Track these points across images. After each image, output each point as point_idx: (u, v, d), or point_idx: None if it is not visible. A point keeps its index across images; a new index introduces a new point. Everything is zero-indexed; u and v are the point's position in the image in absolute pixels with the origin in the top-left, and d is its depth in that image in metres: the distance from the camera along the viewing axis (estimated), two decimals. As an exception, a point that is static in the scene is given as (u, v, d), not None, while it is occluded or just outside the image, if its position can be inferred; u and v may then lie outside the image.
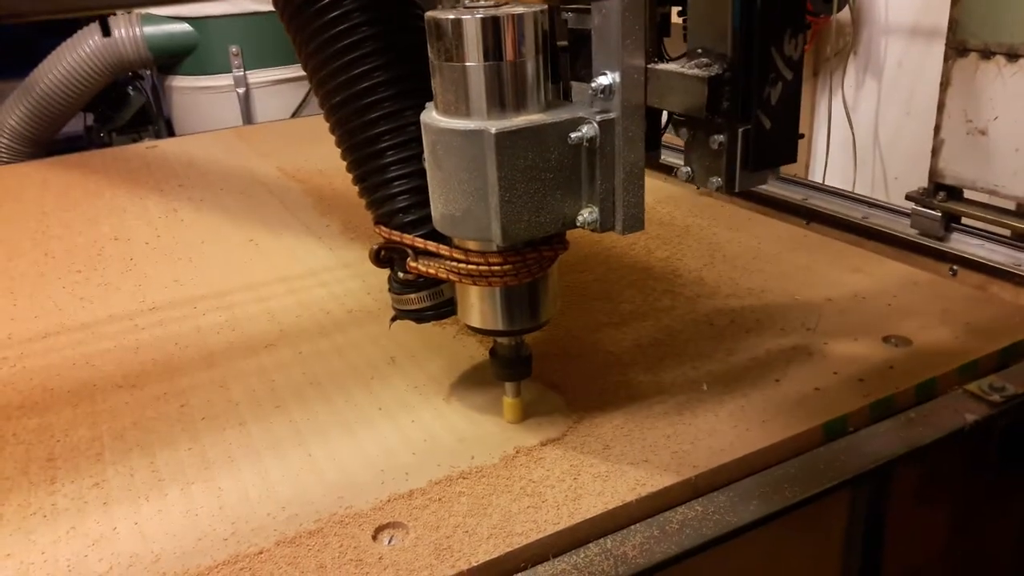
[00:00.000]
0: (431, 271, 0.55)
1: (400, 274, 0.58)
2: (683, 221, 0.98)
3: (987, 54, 0.84)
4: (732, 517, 0.52)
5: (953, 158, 0.89)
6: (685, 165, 0.54)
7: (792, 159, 0.53)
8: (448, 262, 0.54)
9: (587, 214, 0.51)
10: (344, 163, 0.61)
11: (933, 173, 0.91)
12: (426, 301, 0.58)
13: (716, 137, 0.51)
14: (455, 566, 0.48)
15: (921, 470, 0.60)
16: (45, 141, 1.90)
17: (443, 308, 0.59)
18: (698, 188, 0.54)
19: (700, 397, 0.63)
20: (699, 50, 0.51)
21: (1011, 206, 0.91)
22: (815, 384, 0.63)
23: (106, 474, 0.59)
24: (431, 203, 0.53)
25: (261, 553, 0.50)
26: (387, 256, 0.58)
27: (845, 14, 1.84)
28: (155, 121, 2.43)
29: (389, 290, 0.60)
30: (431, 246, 0.55)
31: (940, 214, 0.90)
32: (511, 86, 0.49)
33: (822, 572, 0.60)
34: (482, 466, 0.57)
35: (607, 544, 0.50)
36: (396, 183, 0.57)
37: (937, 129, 0.90)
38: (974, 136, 0.86)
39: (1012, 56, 0.82)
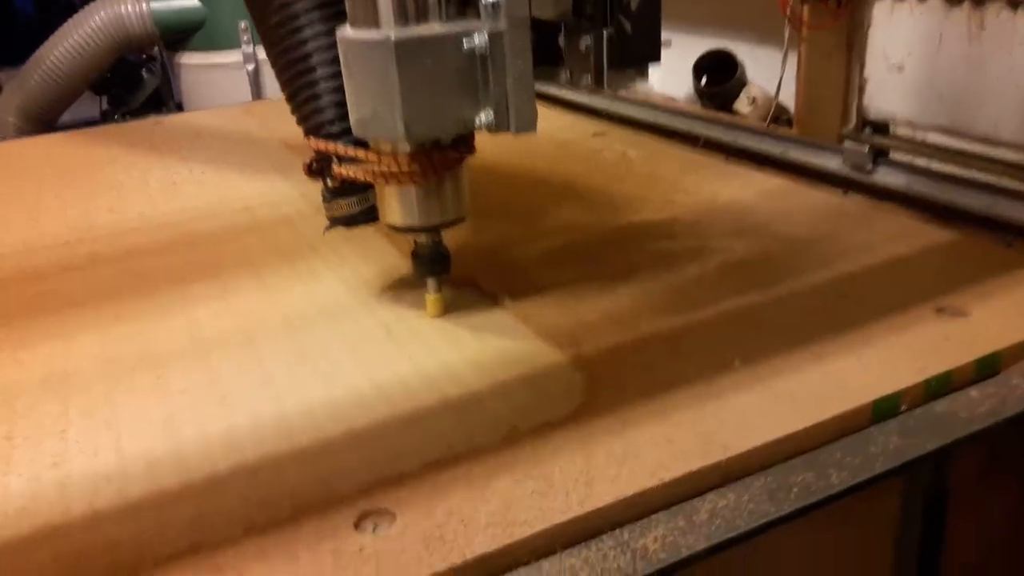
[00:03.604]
0: (353, 174, 0.61)
1: (329, 182, 0.63)
2: (710, 188, 0.90)
3: (901, -6, 0.89)
4: (769, 507, 0.45)
5: (877, 94, 0.94)
6: (564, 69, 0.63)
7: (655, 59, 0.63)
8: (366, 165, 0.60)
9: (484, 116, 0.57)
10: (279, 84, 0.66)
11: (860, 110, 0.96)
12: (355, 207, 0.64)
13: (584, 39, 0.61)
14: (447, 559, 0.42)
15: (983, 454, 0.53)
16: (52, 120, 1.86)
17: (371, 213, 0.64)
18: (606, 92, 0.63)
19: (731, 373, 0.56)
20: (570, -37, 0.60)
21: (929, 137, 0.93)
22: (861, 358, 0.56)
23: (68, 453, 0.53)
24: (349, 109, 0.59)
25: (227, 541, 0.44)
26: (318, 167, 0.63)
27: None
28: (168, 103, 2.39)
29: (323, 201, 0.65)
30: (350, 151, 0.61)
31: (867, 148, 0.92)
32: (412, 1, 0.55)
33: (871, 570, 0.53)
34: (481, 446, 0.50)
35: (624, 536, 0.44)
36: (323, 97, 0.62)
37: (861, 68, 0.96)
38: (893, 73, 0.92)
39: (921, -4, 0.87)
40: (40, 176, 1.15)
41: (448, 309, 0.66)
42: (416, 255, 0.64)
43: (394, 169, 0.58)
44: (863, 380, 0.53)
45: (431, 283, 0.65)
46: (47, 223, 0.96)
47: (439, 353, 0.61)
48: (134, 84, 2.59)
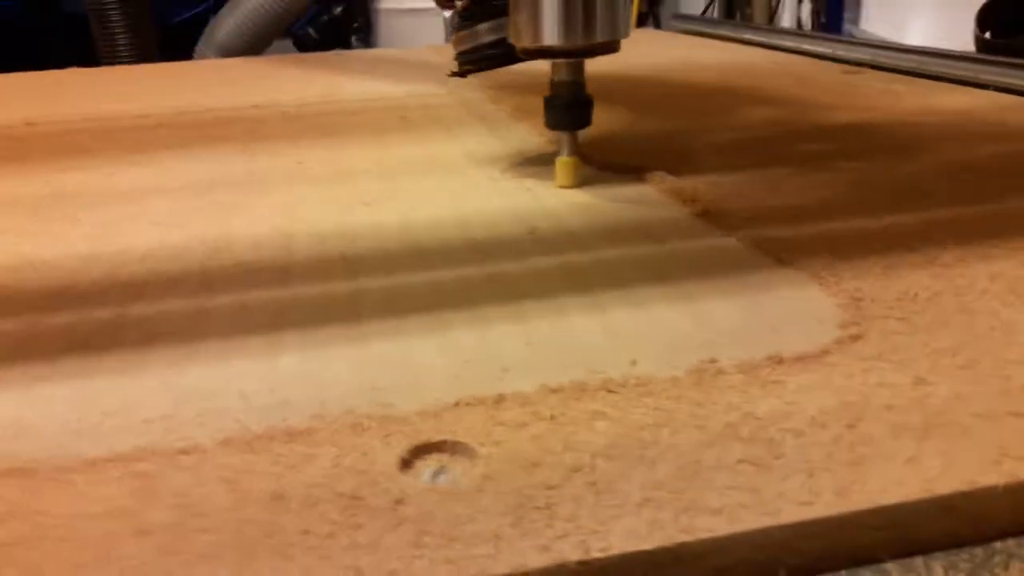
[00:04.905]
0: None
1: (459, 2, 0.52)
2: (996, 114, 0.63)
3: None
4: None
5: None
6: None
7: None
8: None
9: None
10: None
11: None
12: (484, 35, 0.51)
13: None
14: (551, 549, 0.21)
15: None
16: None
17: (505, 46, 0.50)
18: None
19: (1121, 325, 0.31)
20: None
21: None
22: None
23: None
24: None
25: (186, 453, 0.25)
26: None
27: None
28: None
29: (453, 34, 0.54)
30: None
31: None
32: None
33: None
34: (649, 377, 0.29)
35: (935, 571, 0.21)
36: None
37: None
38: None
39: None
40: (200, 85, 1.07)
41: (584, 184, 0.51)
42: (550, 100, 0.49)
43: None
44: None
45: (565, 140, 0.49)
46: (191, 100, 0.85)
47: (578, 236, 0.43)
48: (343, 43, 2.65)
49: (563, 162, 0.50)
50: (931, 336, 0.31)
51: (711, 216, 0.44)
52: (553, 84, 0.49)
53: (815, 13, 1.33)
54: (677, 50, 1.13)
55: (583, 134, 0.51)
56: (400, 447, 0.25)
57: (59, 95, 0.95)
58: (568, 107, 0.49)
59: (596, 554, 0.20)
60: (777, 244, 0.39)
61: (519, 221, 0.45)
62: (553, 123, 0.50)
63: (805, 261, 0.37)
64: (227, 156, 0.63)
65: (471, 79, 0.91)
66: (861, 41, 1.05)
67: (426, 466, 0.25)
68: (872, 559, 0.21)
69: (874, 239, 0.40)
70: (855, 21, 1.35)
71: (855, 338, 0.31)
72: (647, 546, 0.21)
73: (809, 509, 0.22)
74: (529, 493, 0.23)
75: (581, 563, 0.20)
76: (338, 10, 2.62)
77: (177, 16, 1.98)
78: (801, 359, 0.29)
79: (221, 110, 0.82)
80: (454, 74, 0.55)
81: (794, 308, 0.33)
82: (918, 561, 0.21)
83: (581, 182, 0.50)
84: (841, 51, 1.02)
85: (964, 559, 0.21)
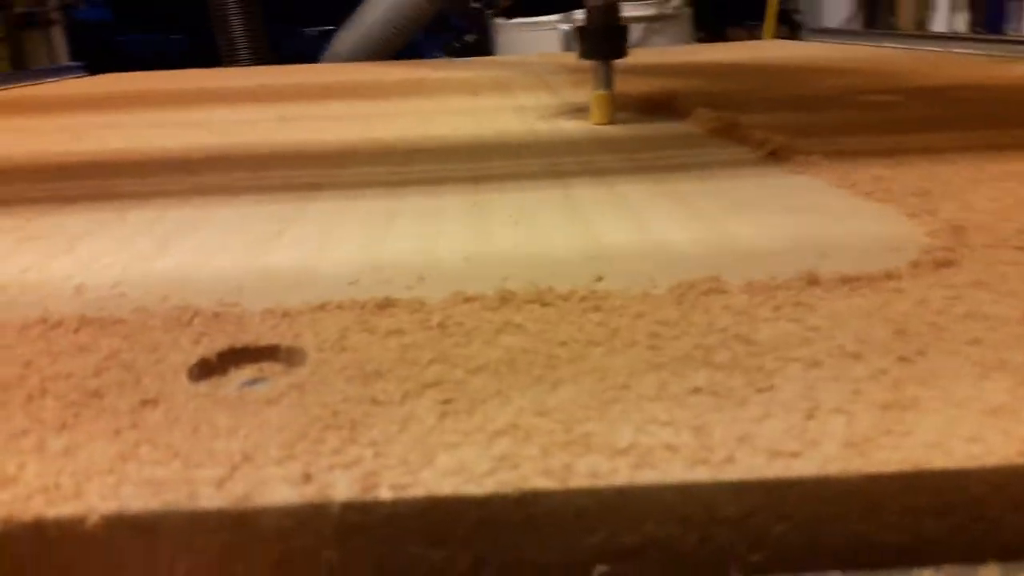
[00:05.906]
0: None
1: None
2: None
3: None
4: None
5: None
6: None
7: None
8: None
9: None
10: None
11: None
12: None
13: None
14: (313, 482, 0.12)
15: None
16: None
17: None
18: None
19: None
20: None
21: None
22: None
23: None
24: None
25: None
26: None
27: None
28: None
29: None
30: None
31: None
32: None
33: None
34: (610, 292, 0.20)
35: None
36: None
37: None
38: None
39: None
40: (283, 76, 1.05)
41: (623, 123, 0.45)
42: (583, 30, 0.44)
43: None
44: None
45: (598, 71, 0.43)
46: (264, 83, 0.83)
47: (585, 148, 0.37)
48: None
49: (596, 96, 0.43)
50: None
51: (756, 144, 0.34)
52: (588, 11, 0.43)
53: (971, 24, 1.17)
54: (801, 50, 1.02)
55: (638, 89, 0.43)
56: (210, 347, 0.17)
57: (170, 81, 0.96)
58: (601, 33, 0.42)
59: (382, 494, 0.12)
60: (833, 171, 0.29)
61: (528, 135, 0.38)
62: (586, 52, 0.43)
63: (871, 185, 0.27)
64: (261, 112, 0.58)
65: (560, 70, 0.84)
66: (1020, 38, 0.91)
67: (240, 372, 0.17)
68: (899, 560, 0.11)
69: (980, 171, 0.29)
70: (1018, 31, 1.18)
71: (942, 264, 0.20)
72: (474, 490, 0.12)
73: (790, 464, 0.12)
74: (339, 408, 0.14)
75: (349, 505, 0.12)
76: (471, 37, 2.63)
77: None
78: (848, 281, 0.19)
79: (289, 86, 0.79)
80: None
81: (857, 233, 0.23)
82: (989, 572, 0.11)
83: (618, 120, 0.43)
84: (996, 51, 0.88)
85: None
